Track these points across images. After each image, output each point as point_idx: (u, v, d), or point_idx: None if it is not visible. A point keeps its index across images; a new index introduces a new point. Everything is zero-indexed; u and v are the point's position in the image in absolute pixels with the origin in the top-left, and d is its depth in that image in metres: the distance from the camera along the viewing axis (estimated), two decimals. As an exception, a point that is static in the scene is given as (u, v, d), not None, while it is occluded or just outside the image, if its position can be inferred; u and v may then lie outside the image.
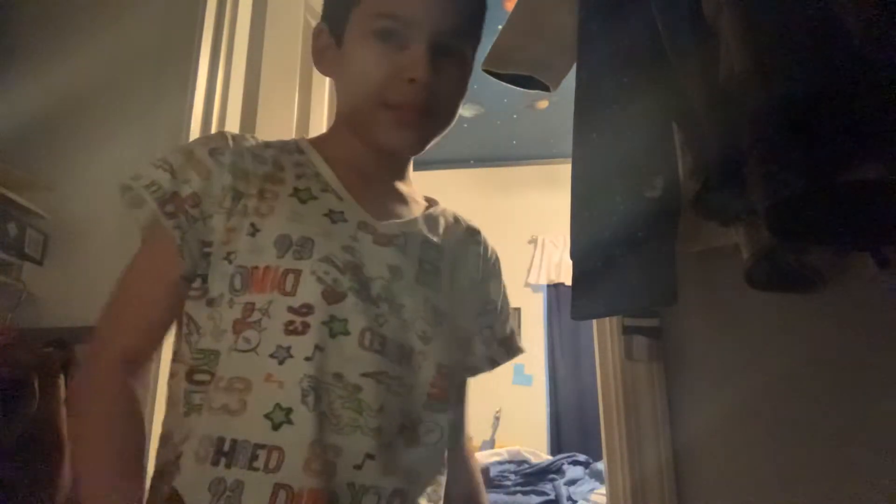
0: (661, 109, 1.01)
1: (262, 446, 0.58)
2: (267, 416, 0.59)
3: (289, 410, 0.59)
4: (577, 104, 1.10)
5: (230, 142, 0.71)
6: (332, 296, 0.64)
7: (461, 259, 0.81)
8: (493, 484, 3.47)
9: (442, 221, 0.82)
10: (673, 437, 1.29)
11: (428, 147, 0.77)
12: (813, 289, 1.18)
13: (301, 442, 0.59)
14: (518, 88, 1.35)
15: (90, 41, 1.73)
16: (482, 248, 0.86)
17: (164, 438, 0.65)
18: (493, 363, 0.87)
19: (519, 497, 3.24)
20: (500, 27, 1.32)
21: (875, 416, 1.22)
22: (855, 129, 0.72)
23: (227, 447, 0.59)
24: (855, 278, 1.24)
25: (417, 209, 0.81)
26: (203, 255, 0.67)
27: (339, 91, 0.78)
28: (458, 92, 0.76)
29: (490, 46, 1.31)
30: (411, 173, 0.84)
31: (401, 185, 0.81)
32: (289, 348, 0.62)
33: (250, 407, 0.60)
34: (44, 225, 1.58)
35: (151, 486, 0.62)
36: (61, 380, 1.27)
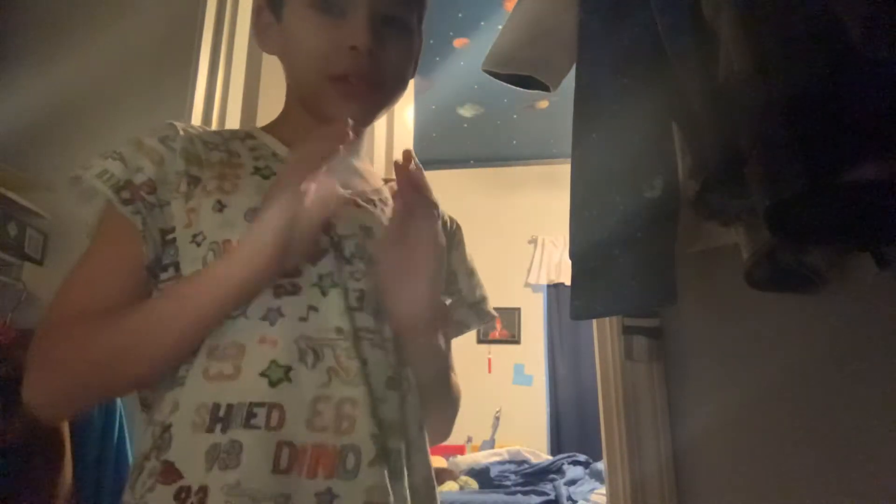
0: (661, 109, 1.01)
1: (261, 404, 0.57)
2: (263, 374, 0.58)
3: (287, 368, 0.59)
4: (577, 104, 1.10)
5: (179, 130, 0.71)
6: (315, 255, 0.65)
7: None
8: (493, 484, 3.48)
9: None
10: (673, 437, 1.29)
11: (377, 117, 0.76)
12: (813, 289, 1.18)
13: (302, 399, 0.58)
14: (518, 88, 1.35)
15: (90, 41, 1.73)
16: (440, 220, 0.85)
17: (147, 422, 0.63)
18: (463, 327, 0.87)
19: (519, 497, 3.24)
20: (500, 27, 1.31)
21: (875, 416, 1.22)
22: (855, 129, 0.72)
23: (222, 412, 0.57)
24: (855, 278, 1.24)
25: (377, 182, 0.81)
26: (166, 242, 0.66)
27: (285, 68, 0.76)
28: (404, 60, 0.75)
29: (490, 46, 1.31)
30: (366, 150, 0.83)
31: (357, 162, 0.80)
32: (279, 308, 0.61)
33: (245, 370, 0.59)
34: (44, 225, 1.58)
35: (138, 469, 0.60)
36: (61, 380, 1.27)
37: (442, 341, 0.71)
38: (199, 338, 0.61)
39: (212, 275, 0.61)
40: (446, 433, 0.81)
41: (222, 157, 0.70)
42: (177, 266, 0.65)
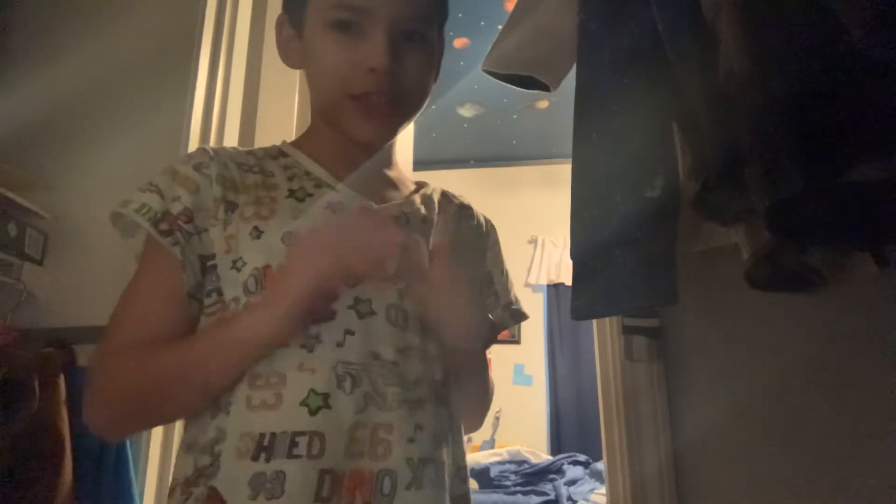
0: (661, 109, 1.01)
1: (302, 433, 0.58)
2: (303, 403, 0.59)
3: (326, 396, 0.60)
4: (577, 104, 1.10)
5: (212, 154, 0.71)
6: (352, 279, 0.65)
7: (457, 235, 0.81)
8: (493, 484, 3.48)
9: (435, 200, 0.82)
10: (673, 437, 1.29)
11: (400, 131, 0.77)
12: (813, 289, 1.18)
13: (341, 426, 0.59)
14: (518, 88, 1.35)
15: (90, 42, 1.73)
16: (475, 221, 0.86)
17: (188, 446, 0.64)
18: (499, 328, 0.87)
19: (519, 497, 3.24)
20: (500, 27, 1.31)
21: (874, 416, 1.22)
22: (855, 129, 0.72)
23: (266, 441, 0.58)
24: (855, 278, 1.24)
25: (409, 191, 0.81)
26: (206, 269, 0.67)
27: (309, 84, 0.77)
28: (425, 75, 0.75)
29: (490, 46, 1.31)
30: (397, 157, 0.84)
31: (389, 171, 0.81)
32: (317, 335, 0.62)
33: (286, 398, 0.60)
34: (44, 225, 1.58)
35: (185, 494, 0.60)
36: (61, 380, 1.27)
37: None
38: (241, 370, 0.62)
39: (248, 319, 0.62)
40: (480, 423, 0.84)
41: (257, 179, 0.71)
42: (219, 291, 0.66)
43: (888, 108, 0.71)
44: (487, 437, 4.55)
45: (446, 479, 0.65)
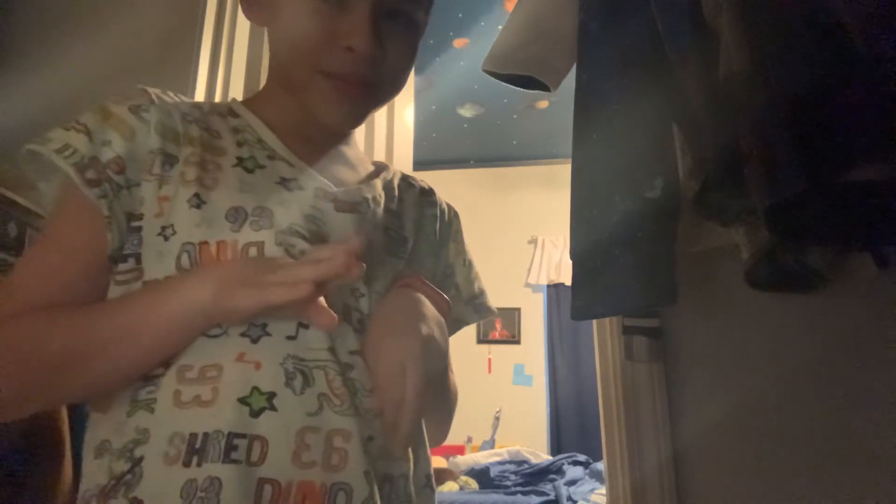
0: (661, 109, 1.01)
1: (242, 436, 0.50)
2: (243, 401, 0.51)
3: (271, 395, 0.51)
4: (577, 104, 1.10)
5: (154, 98, 0.62)
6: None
7: (419, 224, 0.75)
8: (493, 484, 3.48)
9: (396, 186, 0.75)
10: (673, 437, 1.29)
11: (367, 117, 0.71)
12: (813, 289, 1.18)
13: (287, 430, 0.51)
14: (518, 88, 1.35)
15: (90, 41, 1.73)
16: (438, 209, 0.79)
17: (97, 450, 0.54)
18: (459, 323, 0.80)
19: (519, 497, 3.24)
20: (500, 27, 1.32)
21: (874, 416, 1.22)
22: (855, 129, 0.72)
23: (199, 443, 0.49)
24: (855, 278, 1.24)
25: (368, 174, 0.74)
26: (130, 229, 0.57)
27: (272, 45, 0.68)
28: (405, 60, 0.67)
29: (490, 46, 1.31)
30: (356, 137, 0.78)
31: (347, 149, 0.73)
32: (264, 326, 0.54)
33: (223, 393, 0.51)
34: (44, 225, 1.58)
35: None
36: (61, 380, 1.27)
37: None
38: (165, 353, 0.54)
39: (174, 302, 0.53)
40: (444, 434, 0.78)
41: (202, 135, 0.62)
42: (138, 258, 0.57)
43: (888, 108, 0.71)
44: (487, 437, 4.55)
45: (406, 493, 0.58)
